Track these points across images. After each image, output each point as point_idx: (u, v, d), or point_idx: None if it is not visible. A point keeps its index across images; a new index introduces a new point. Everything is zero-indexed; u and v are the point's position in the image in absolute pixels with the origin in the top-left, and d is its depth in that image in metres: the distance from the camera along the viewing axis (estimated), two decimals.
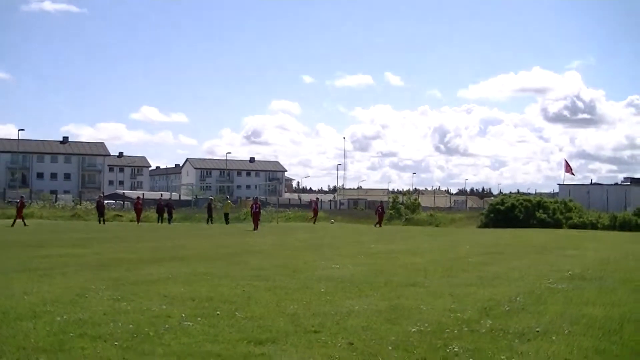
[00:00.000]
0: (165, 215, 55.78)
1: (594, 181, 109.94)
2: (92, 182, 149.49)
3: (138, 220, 53.69)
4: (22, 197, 53.60)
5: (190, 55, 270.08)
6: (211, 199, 63.16)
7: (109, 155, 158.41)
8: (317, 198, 71.47)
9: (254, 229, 42.25)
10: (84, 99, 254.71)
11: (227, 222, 54.48)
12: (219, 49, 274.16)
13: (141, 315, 10.07)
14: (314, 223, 57.90)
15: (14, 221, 45.90)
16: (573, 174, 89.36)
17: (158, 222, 54.78)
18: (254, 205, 46.07)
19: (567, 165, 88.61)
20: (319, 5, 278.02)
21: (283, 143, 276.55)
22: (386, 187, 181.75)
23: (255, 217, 44.73)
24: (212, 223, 53.56)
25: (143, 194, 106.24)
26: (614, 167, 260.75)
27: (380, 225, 54.92)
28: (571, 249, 26.15)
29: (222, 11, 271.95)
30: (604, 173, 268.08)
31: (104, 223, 50.80)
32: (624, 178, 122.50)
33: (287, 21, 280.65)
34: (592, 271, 17.61)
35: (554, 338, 8.90)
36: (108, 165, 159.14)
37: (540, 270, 17.74)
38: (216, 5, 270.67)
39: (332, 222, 58.83)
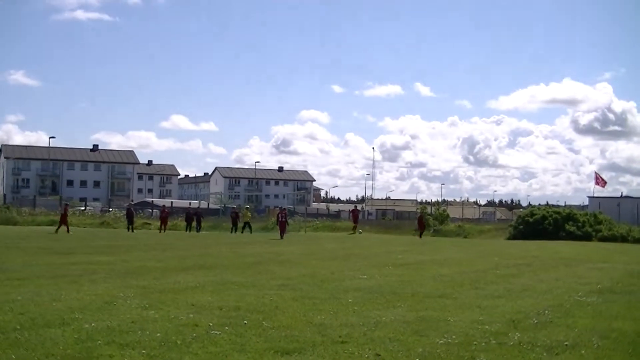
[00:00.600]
0: (194, 224, 55.85)
1: (624, 194, 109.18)
2: (121, 190, 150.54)
3: (163, 229, 53.46)
4: (66, 204, 53.97)
5: (221, 65, 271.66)
6: (234, 207, 62.84)
7: (139, 163, 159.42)
8: (355, 206, 70.72)
9: (280, 238, 42.88)
10: (114, 107, 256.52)
11: (249, 230, 54.03)
12: (249, 58, 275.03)
13: (169, 323, 10.10)
14: (354, 231, 57.80)
15: (58, 227, 46.29)
16: (604, 186, 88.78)
17: (186, 230, 54.73)
18: (279, 215, 47.02)
19: (598, 177, 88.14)
20: (349, 16, 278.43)
21: (312, 153, 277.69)
22: (415, 198, 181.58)
23: (282, 227, 45.59)
24: (236, 232, 53.28)
25: (172, 202, 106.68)
26: None
27: (420, 237, 53.93)
28: (600, 262, 25.96)
29: (253, 22, 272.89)
30: (634, 186, 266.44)
31: (132, 231, 51.00)
32: None
33: (317, 31, 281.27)
34: (622, 285, 17.47)
35: (583, 352, 8.83)
36: (137, 174, 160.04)
37: (569, 283, 17.62)
38: (247, 16, 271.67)
39: (360, 232, 58.46)
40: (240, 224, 54.78)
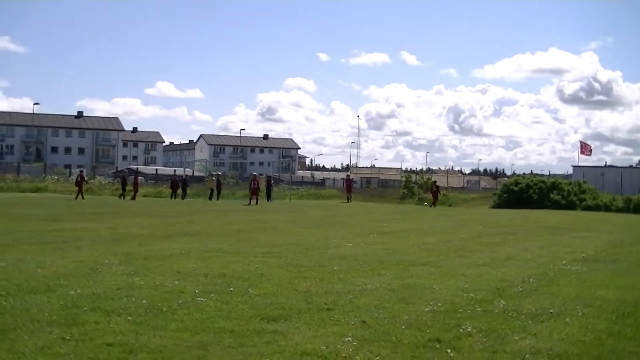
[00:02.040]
0: (179, 191, 55.67)
1: (608, 163, 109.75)
2: (106, 157, 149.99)
3: (122, 195, 51.75)
4: (81, 171, 54.34)
5: (206, 32, 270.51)
6: (219, 174, 62.42)
7: (123, 130, 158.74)
8: (348, 175, 70.26)
9: (248, 204, 46.00)
10: (99, 73, 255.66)
11: (210, 198, 54.33)
12: (235, 25, 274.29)
13: (154, 290, 10.09)
14: (348, 201, 57.89)
15: (78, 195, 47.24)
16: (590, 154, 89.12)
17: (171, 198, 54.44)
18: (252, 182, 49.60)
19: (582, 146, 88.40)
20: None
21: (297, 120, 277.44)
22: (399, 166, 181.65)
23: (253, 192, 48.35)
24: (217, 199, 53.21)
25: (156, 169, 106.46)
26: (630, 150, 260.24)
27: (435, 206, 53.70)
28: (584, 231, 26.11)
29: None
30: (619, 155, 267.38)
31: (123, 198, 51.00)
32: (639, 161, 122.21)
33: None
34: (606, 254, 17.57)
35: (567, 320, 8.88)
36: (122, 141, 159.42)
37: (554, 251, 17.72)
38: None
39: (346, 202, 58.01)
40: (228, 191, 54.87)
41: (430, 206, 53.67)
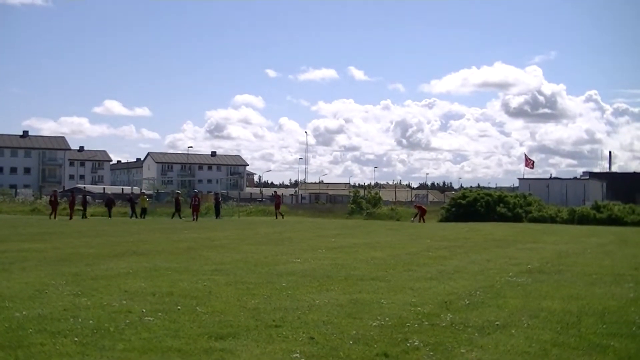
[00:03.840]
0: (128, 209, 55.36)
1: (553, 175, 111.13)
2: (52, 176, 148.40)
3: (54, 215, 49.65)
4: (55, 191, 56.20)
5: (154, 49, 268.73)
6: (178, 192, 61.96)
7: (70, 149, 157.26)
8: (275, 191, 70.05)
9: (192, 220, 48.49)
10: (46, 92, 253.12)
11: (143, 216, 53.91)
12: (183, 42, 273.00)
13: (101, 310, 10.02)
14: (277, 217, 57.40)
15: (52, 214, 49.10)
16: (532, 167, 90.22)
17: (109, 216, 53.99)
18: (193, 198, 52.12)
19: (527, 159, 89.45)
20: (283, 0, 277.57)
21: (246, 137, 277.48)
22: (348, 182, 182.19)
23: (194, 210, 50.37)
24: (180, 217, 52.77)
25: (104, 188, 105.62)
26: (574, 162, 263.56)
27: (424, 221, 53.61)
28: (530, 243, 26.39)
29: (185, 5, 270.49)
30: (563, 167, 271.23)
31: (85, 217, 51.06)
32: (583, 172, 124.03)
33: (250, 15, 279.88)
34: (551, 265, 17.79)
35: (513, 331, 8.98)
36: (69, 160, 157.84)
37: (500, 264, 17.89)
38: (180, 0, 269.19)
39: (283, 217, 57.02)
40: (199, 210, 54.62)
41: (419, 221, 53.49)
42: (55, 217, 48.05)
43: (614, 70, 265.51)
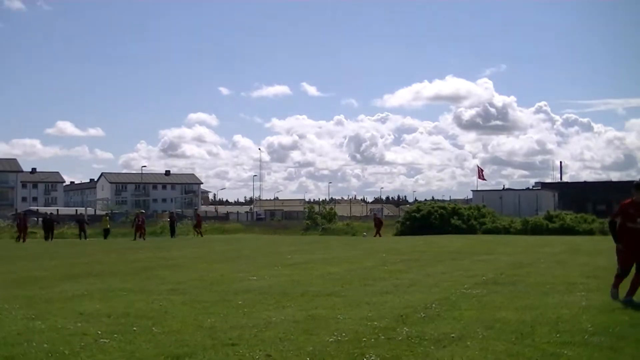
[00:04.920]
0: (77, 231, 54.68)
1: (506, 186, 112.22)
2: (4, 199, 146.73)
3: (23, 238, 49.76)
4: (25, 214, 56.65)
5: (106, 69, 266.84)
6: (142, 212, 61.05)
7: (22, 171, 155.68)
8: (196, 209, 69.47)
9: (133, 239, 49.39)
10: None
11: (105, 237, 53.36)
12: (135, 61, 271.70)
13: (56, 333, 9.93)
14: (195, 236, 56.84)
15: (20, 238, 49.24)
16: (484, 179, 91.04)
17: (45, 239, 51.26)
18: (137, 219, 53.32)
19: (479, 170, 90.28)
20: (234, 17, 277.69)
21: (200, 155, 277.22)
22: (303, 197, 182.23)
23: (137, 230, 51.55)
24: (142, 238, 52.19)
25: (57, 210, 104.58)
26: (526, 172, 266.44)
27: (380, 235, 53.25)
28: (485, 254, 26.58)
29: (137, 23, 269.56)
30: (516, 178, 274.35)
31: (51, 239, 50.69)
32: (535, 183, 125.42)
33: (202, 33, 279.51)
34: (505, 276, 17.93)
35: (468, 343, 9.05)
36: (21, 182, 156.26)
37: (455, 276, 18.00)
38: (131, 18, 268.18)
39: (201, 236, 56.55)
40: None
41: (375, 235, 53.42)
42: (24, 241, 48.10)
43: (563, 82, 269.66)
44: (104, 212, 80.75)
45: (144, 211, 58.66)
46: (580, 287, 15.11)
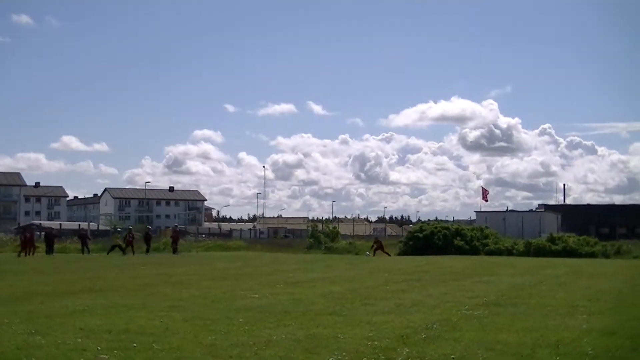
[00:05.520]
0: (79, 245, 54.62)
1: (509, 208, 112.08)
2: (7, 212, 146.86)
3: (32, 252, 49.53)
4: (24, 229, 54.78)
5: (112, 84, 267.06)
6: (149, 228, 60.67)
7: (25, 185, 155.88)
8: (176, 225, 68.33)
9: (123, 254, 49.45)
10: (1, 128, 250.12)
11: (109, 252, 52.49)
12: (141, 77, 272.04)
13: (56, 349, 9.94)
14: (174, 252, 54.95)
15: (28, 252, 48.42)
16: (486, 200, 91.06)
17: (47, 253, 50.94)
18: (128, 235, 53.58)
19: (483, 191, 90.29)
20: (241, 35, 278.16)
21: (204, 172, 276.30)
22: (306, 216, 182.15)
23: (127, 245, 51.69)
24: (147, 252, 52.45)
25: (60, 224, 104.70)
26: (530, 194, 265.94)
27: (389, 254, 53.23)
28: (487, 275, 26.55)
29: (143, 40, 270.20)
30: (519, 200, 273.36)
31: (52, 254, 50.49)
32: (539, 205, 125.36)
33: (209, 50, 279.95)
34: (507, 297, 17.93)
35: None
36: (24, 196, 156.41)
37: (457, 297, 17.99)
38: (137, 34, 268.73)
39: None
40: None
41: (378, 254, 53.01)
42: (32, 254, 48.00)
43: (567, 104, 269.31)
44: (107, 227, 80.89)
45: (150, 227, 58.79)
46: (581, 310, 15.10)
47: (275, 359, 9.30)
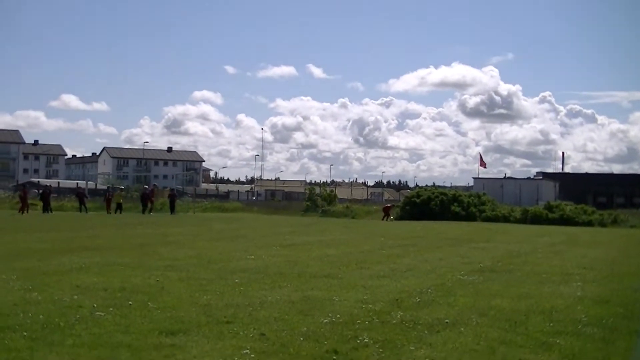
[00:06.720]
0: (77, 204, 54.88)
1: (507, 175, 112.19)
2: (6, 170, 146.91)
3: (26, 210, 49.38)
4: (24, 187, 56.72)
5: (113, 43, 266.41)
6: (146, 187, 60.56)
7: (24, 143, 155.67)
8: (155, 185, 67.76)
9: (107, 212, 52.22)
10: (1, 85, 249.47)
11: (119, 212, 53.25)
12: (142, 37, 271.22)
13: (52, 305, 9.97)
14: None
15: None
16: (485, 167, 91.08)
17: (44, 211, 51.18)
18: (107, 193, 57.00)
19: (481, 158, 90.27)
20: None
21: (203, 133, 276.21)
22: (304, 179, 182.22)
23: (107, 204, 54.41)
24: (149, 213, 52.51)
25: (58, 182, 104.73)
26: (528, 162, 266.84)
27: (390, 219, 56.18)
28: (483, 242, 26.60)
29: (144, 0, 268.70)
30: (518, 167, 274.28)
31: (50, 212, 50.78)
32: (537, 173, 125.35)
33: (210, 10, 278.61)
34: (502, 264, 17.97)
35: (462, 329, 9.08)
36: (23, 154, 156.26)
37: (452, 262, 18.03)
38: None
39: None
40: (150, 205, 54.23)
41: (382, 220, 55.25)
42: (27, 212, 47.88)
43: (568, 73, 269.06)
44: (105, 186, 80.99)
45: (147, 187, 59.03)
46: (576, 278, 15.13)
47: (269, 319, 9.32)
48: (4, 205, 59.33)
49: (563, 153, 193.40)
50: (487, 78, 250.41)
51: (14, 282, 12.24)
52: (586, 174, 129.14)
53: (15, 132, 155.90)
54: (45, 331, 8.32)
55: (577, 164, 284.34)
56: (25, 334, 8.14)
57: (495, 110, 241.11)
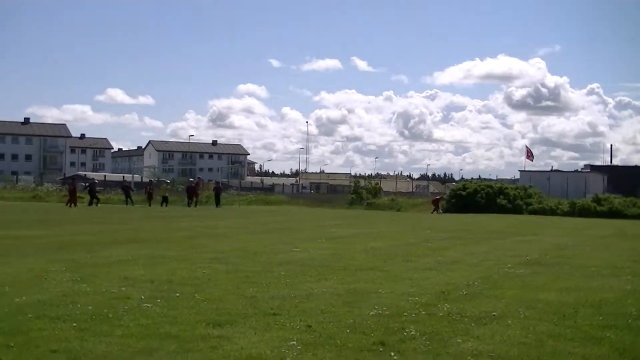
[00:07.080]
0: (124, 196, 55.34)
1: (554, 168, 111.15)
2: (53, 163, 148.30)
3: (74, 203, 49.44)
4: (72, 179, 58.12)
5: (159, 37, 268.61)
6: (191, 180, 60.78)
7: (71, 136, 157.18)
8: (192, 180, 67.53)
9: (149, 205, 52.54)
10: (49, 80, 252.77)
11: (165, 205, 53.66)
12: (188, 31, 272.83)
13: (100, 297, 10.05)
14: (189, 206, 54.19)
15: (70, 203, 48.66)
16: (532, 160, 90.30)
17: (90, 204, 51.20)
18: (148, 186, 56.72)
19: (528, 151, 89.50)
20: None
21: (248, 126, 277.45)
22: (349, 172, 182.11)
23: (149, 197, 54.46)
24: (195, 206, 53.25)
25: (105, 175, 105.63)
26: (576, 155, 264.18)
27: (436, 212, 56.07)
28: (530, 235, 26.42)
29: None
30: (565, 160, 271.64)
31: (97, 204, 50.93)
32: (584, 165, 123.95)
33: (255, 4, 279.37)
34: (549, 257, 17.82)
35: (509, 322, 9.00)
36: (70, 147, 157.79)
37: (499, 255, 17.92)
38: None
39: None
40: (195, 199, 54.53)
41: (432, 212, 55.41)
42: (75, 205, 47.97)
43: (617, 64, 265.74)
44: (149, 180, 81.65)
45: (151, 179, 61.05)
46: (626, 271, 14.96)
47: (316, 311, 9.31)
48: (52, 198, 59.93)
49: (612, 145, 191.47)
50: (533, 70, 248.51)
51: (63, 274, 12.35)
52: (635, 166, 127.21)
53: (63, 126, 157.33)
54: (94, 322, 8.39)
55: (626, 157, 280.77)
56: (75, 324, 8.21)
57: (542, 102, 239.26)
